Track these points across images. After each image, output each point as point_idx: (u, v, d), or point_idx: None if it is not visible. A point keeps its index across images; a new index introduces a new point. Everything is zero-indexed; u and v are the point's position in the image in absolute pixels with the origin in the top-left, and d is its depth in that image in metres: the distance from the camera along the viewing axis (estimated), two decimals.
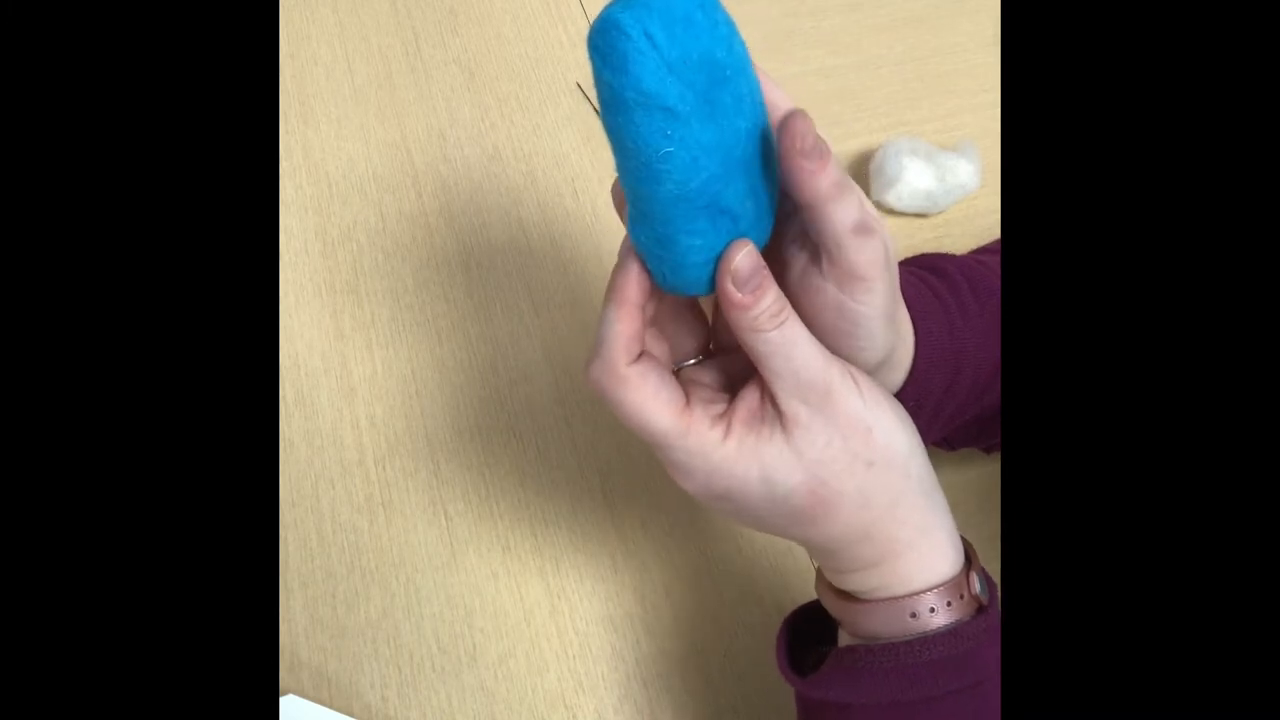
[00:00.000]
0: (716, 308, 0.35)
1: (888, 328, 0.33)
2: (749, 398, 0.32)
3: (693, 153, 0.28)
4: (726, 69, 0.28)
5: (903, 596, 0.33)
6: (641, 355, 0.33)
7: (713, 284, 0.31)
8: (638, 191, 0.30)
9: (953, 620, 0.33)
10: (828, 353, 0.32)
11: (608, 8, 0.27)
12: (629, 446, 0.52)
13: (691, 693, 0.47)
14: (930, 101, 0.67)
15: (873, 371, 0.35)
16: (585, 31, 0.27)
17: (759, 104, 0.30)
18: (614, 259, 0.60)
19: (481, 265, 0.56)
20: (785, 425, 0.31)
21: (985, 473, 0.54)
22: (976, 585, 0.34)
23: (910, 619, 0.33)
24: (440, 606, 0.47)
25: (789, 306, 0.31)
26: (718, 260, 0.31)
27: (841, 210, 0.30)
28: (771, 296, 0.31)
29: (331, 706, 0.44)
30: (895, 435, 0.33)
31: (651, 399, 0.32)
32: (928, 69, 0.68)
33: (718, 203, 0.29)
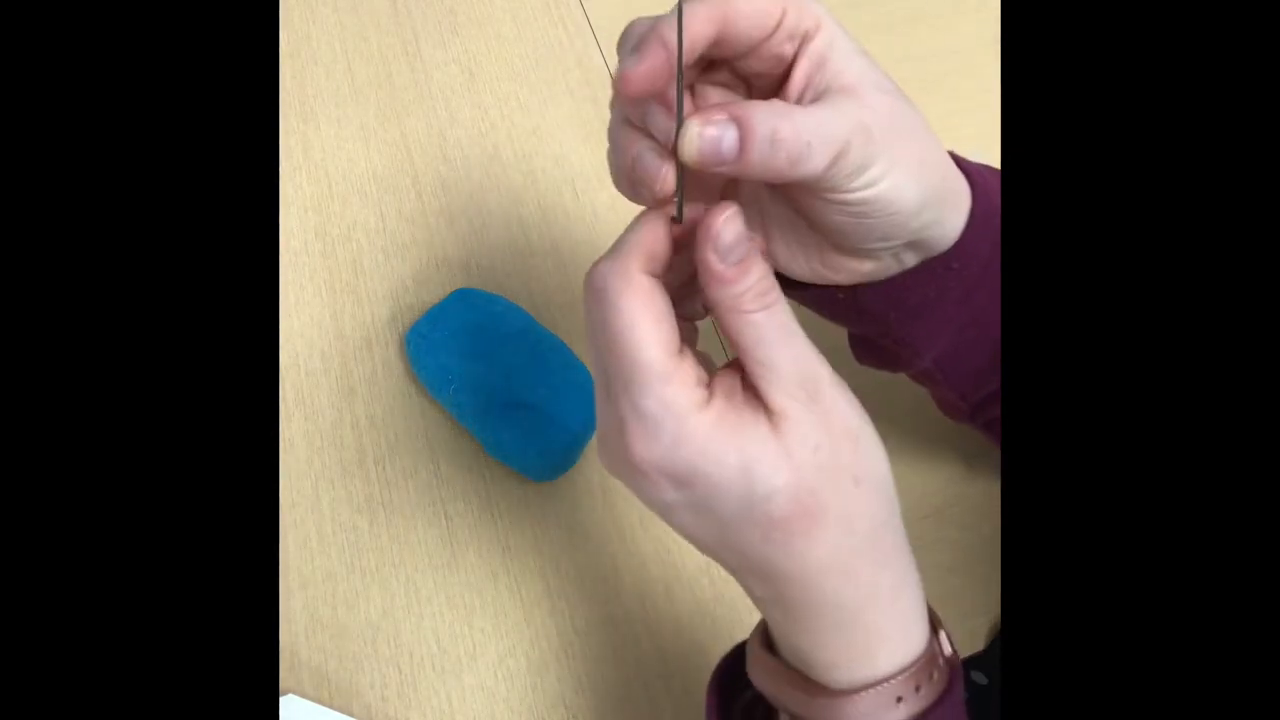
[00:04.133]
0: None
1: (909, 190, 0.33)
2: (726, 381, 0.28)
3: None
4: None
5: (888, 678, 0.28)
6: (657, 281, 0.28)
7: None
8: None
9: (930, 699, 0.28)
10: (814, 347, 0.28)
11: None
12: None
13: (691, 693, 0.46)
14: (930, 101, 0.67)
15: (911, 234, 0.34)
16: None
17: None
18: None
19: (481, 265, 0.56)
20: (773, 419, 0.27)
21: (985, 473, 0.54)
22: (948, 647, 0.30)
23: (896, 704, 0.28)
24: (440, 606, 0.47)
25: (778, 287, 0.27)
26: (695, 229, 0.27)
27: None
28: (758, 273, 0.27)
29: (331, 706, 0.44)
30: (877, 451, 0.28)
31: (652, 321, 0.26)
32: (928, 69, 0.68)
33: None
